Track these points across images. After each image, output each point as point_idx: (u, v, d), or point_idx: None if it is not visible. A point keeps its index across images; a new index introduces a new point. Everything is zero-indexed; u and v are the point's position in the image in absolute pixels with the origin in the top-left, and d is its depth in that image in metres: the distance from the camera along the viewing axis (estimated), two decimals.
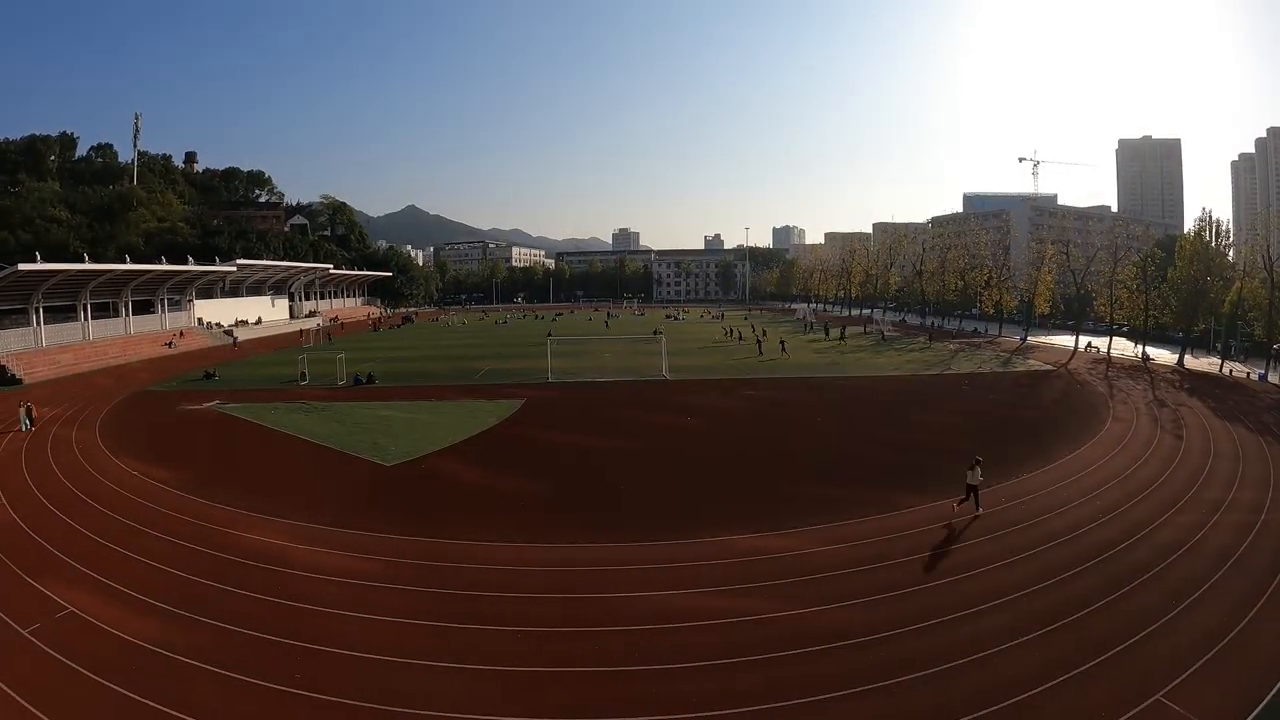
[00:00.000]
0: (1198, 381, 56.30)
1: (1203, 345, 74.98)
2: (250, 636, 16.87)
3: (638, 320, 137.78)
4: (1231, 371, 61.18)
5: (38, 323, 74.28)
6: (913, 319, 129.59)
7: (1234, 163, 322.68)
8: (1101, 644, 15.80)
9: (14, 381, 61.48)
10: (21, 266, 67.71)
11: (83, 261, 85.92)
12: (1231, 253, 73.45)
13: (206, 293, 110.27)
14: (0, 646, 16.49)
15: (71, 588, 19.60)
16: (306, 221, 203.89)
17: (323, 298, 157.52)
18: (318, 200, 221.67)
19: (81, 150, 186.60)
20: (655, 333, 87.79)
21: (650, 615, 17.76)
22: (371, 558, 21.57)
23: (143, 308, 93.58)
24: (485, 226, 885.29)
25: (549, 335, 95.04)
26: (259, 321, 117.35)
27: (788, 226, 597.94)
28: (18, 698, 14.40)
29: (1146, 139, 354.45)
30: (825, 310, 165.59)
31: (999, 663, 15.25)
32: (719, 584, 19.32)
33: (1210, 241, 69.28)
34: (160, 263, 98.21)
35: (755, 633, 16.76)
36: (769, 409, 45.28)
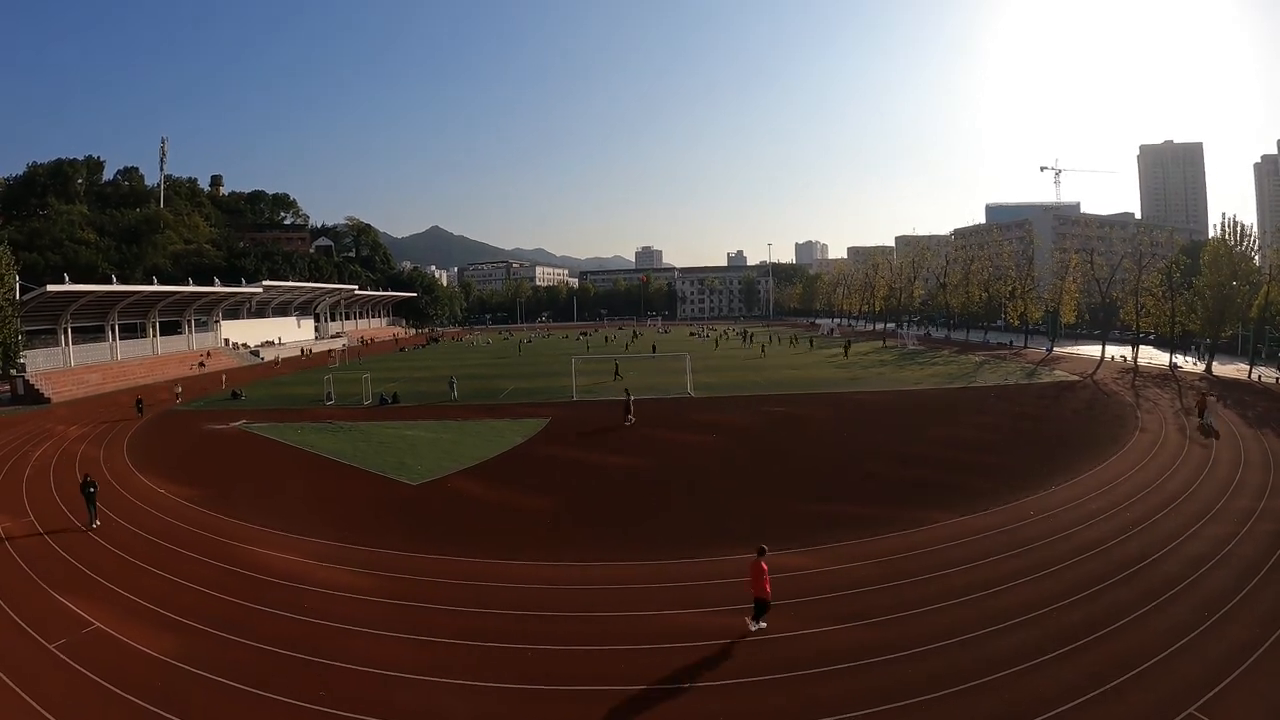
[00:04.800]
0: (1226, 388, 55.24)
1: (1231, 351, 73.72)
2: (274, 653, 16.95)
3: (659, 338, 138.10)
4: (1260, 377, 60.06)
5: (66, 343, 75.70)
6: (937, 332, 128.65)
7: (1256, 165, 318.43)
8: (1132, 658, 15.49)
9: (43, 400, 62.57)
10: (50, 288, 69.30)
11: (110, 283, 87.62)
12: (1258, 257, 72.19)
13: (233, 314, 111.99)
14: (27, 662, 16.70)
15: (97, 604, 19.84)
16: (331, 243, 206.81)
17: (348, 318, 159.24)
18: (342, 222, 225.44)
19: (109, 174, 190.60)
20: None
21: (674, 633, 17.62)
22: (396, 576, 21.61)
23: (170, 328, 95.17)
24: (509, 246, 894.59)
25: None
26: (281, 342, 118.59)
27: (810, 241, 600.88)
28: (45, 712, 14.55)
29: (1168, 144, 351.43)
30: (849, 325, 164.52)
31: (1028, 679, 14.96)
32: (743, 602, 19.12)
33: (1235, 246, 68.15)
34: (187, 284, 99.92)
35: (780, 651, 16.56)
36: (792, 425, 44.93)
